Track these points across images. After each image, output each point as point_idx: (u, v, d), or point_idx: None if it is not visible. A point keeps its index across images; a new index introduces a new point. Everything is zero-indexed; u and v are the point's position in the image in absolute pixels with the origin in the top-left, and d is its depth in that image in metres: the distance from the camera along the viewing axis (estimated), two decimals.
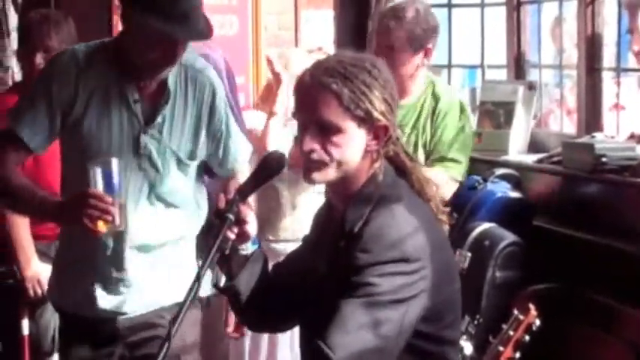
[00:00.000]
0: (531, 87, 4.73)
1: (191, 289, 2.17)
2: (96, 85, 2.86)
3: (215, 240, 2.21)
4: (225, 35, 5.15)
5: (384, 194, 2.17)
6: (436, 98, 3.79)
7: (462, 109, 3.82)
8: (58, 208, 2.84)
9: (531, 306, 2.92)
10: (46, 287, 3.40)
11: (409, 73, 3.71)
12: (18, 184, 2.90)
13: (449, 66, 5.35)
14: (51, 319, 3.85)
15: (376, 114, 2.13)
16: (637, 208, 3.82)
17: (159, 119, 2.89)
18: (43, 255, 3.80)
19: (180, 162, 2.95)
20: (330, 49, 5.19)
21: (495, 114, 4.76)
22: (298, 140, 2.20)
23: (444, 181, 3.60)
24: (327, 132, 2.14)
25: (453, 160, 3.72)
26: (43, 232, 3.78)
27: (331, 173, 2.16)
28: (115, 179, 2.73)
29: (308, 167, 2.18)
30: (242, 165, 3.10)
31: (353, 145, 2.15)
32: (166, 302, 2.95)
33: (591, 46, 4.38)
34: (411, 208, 2.16)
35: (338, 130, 2.13)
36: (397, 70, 3.52)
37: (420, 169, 2.26)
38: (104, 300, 2.94)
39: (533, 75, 4.91)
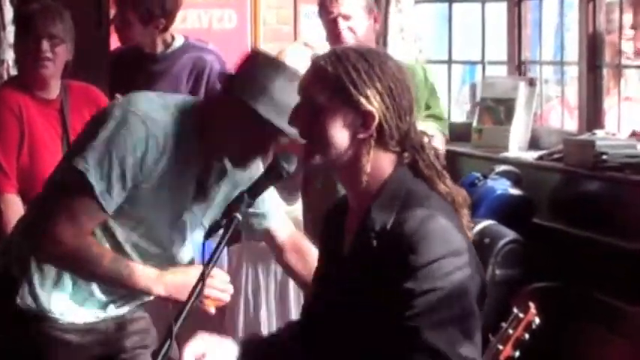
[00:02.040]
0: (532, 83, 4.75)
1: (195, 288, 2.18)
2: (174, 161, 2.66)
3: (221, 239, 2.22)
4: (223, 29, 5.16)
5: (410, 189, 2.16)
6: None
7: (425, 70, 4.11)
8: (156, 279, 2.68)
9: (531, 304, 2.89)
10: None
11: (367, 38, 3.85)
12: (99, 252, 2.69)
13: (449, 62, 5.36)
14: None
15: (360, 98, 2.12)
16: (637, 205, 3.84)
17: (211, 198, 2.77)
18: None
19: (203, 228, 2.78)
20: (327, 44, 5.23)
21: (495, 110, 4.78)
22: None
23: (438, 134, 3.82)
24: (313, 112, 2.14)
25: (436, 116, 3.91)
26: None
27: (319, 158, 2.16)
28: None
29: (302, 154, 2.19)
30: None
31: (336, 126, 2.13)
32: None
33: (592, 43, 4.40)
34: (439, 206, 2.16)
35: (321, 108, 2.14)
36: (356, 35, 3.76)
37: (446, 180, 2.22)
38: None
39: (533, 71, 4.92)
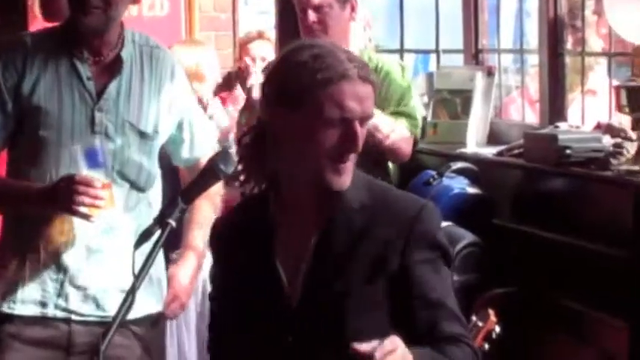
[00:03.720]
0: (490, 73, 4.75)
1: (124, 303, 2.18)
2: (45, 64, 3.02)
3: (154, 249, 2.19)
4: (154, 17, 5.17)
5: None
6: (374, 60, 3.98)
7: (404, 68, 4.08)
8: (42, 195, 2.96)
9: (491, 311, 2.89)
10: None
11: (340, 30, 3.77)
12: None
13: (401, 51, 5.34)
14: None
15: None
16: (604, 203, 3.84)
17: (112, 92, 3.03)
18: None
19: (142, 135, 3.06)
20: (271, 34, 5.18)
21: (451, 103, 4.77)
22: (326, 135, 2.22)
23: (407, 135, 3.86)
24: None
25: (409, 115, 3.86)
26: None
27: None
28: (100, 156, 2.89)
29: (341, 169, 2.25)
30: (210, 153, 3.09)
31: None
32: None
33: (553, 29, 4.40)
34: None
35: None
36: (330, 29, 3.71)
37: None
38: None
39: (492, 60, 4.93)
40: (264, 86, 2.27)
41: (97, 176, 2.94)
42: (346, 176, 2.22)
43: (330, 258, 2.24)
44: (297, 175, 2.26)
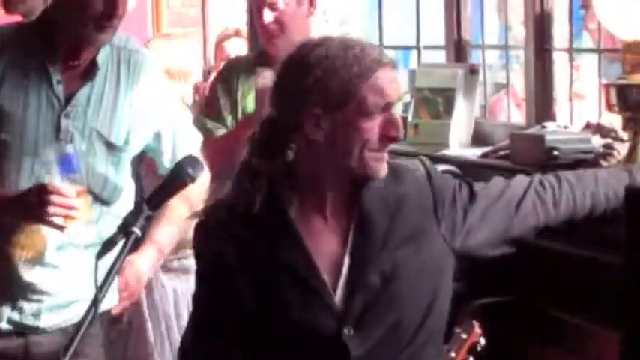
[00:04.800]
0: (473, 71, 4.72)
1: (88, 313, 2.21)
2: (13, 62, 2.94)
3: (117, 258, 2.22)
4: None
5: None
6: None
7: None
8: (11, 203, 2.93)
9: (475, 323, 2.90)
10: None
11: (299, 27, 3.74)
12: None
13: (379, 47, 5.27)
14: None
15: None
16: None
17: (82, 99, 2.97)
18: None
19: (110, 146, 3.00)
20: (244, 31, 5.15)
21: (433, 102, 4.73)
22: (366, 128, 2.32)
23: None
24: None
25: None
26: None
27: None
28: (74, 163, 2.88)
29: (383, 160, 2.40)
30: None
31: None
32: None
33: (540, 23, 4.38)
34: None
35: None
36: (285, 26, 3.70)
37: None
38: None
39: (475, 57, 4.90)
40: (282, 92, 2.28)
41: (71, 184, 2.89)
42: (385, 163, 2.36)
43: (370, 244, 2.35)
44: (330, 173, 2.32)
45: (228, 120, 3.77)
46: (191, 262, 3.94)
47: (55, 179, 2.92)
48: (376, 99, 2.28)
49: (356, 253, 2.34)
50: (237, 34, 5.08)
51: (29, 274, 2.97)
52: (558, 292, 3.84)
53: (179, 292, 4.29)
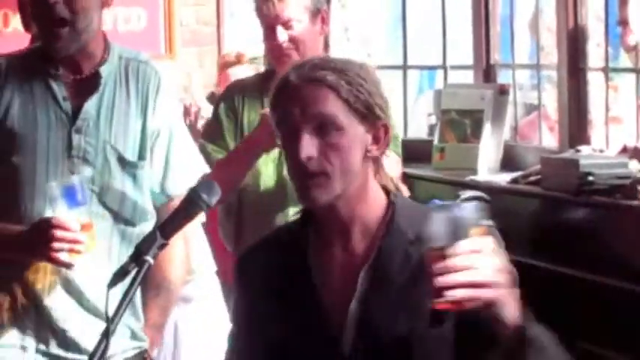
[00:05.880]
0: (503, 91, 4.74)
1: (98, 347, 2.11)
2: (19, 86, 3.02)
3: (130, 288, 2.14)
4: (131, 31, 5.18)
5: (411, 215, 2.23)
6: None
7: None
8: (19, 243, 2.93)
9: None
10: None
11: (312, 46, 3.72)
12: None
13: (404, 67, 5.34)
14: None
15: (377, 109, 2.18)
16: (630, 235, 3.80)
17: (91, 112, 3.00)
18: None
19: (125, 162, 3.00)
20: (259, 48, 5.16)
21: (460, 124, 4.76)
22: (288, 152, 2.18)
23: (397, 159, 3.74)
24: (325, 132, 2.15)
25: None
26: None
27: (336, 187, 2.16)
28: (79, 194, 2.86)
29: (306, 184, 2.15)
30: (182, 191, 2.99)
31: (355, 148, 2.18)
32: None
33: (574, 41, 4.40)
34: None
35: (339, 128, 2.15)
36: (300, 45, 3.63)
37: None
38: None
39: (505, 77, 4.91)
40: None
41: (77, 215, 2.88)
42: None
43: (385, 294, 2.18)
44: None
45: (232, 145, 3.74)
46: (189, 289, 3.98)
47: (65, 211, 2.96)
48: None
49: (364, 300, 2.23)
50: (238, 59, 5.10)
51: (52, 303, 2.98)
52: (591, 324, 3.83)
53: (179, 326, 4.29)
